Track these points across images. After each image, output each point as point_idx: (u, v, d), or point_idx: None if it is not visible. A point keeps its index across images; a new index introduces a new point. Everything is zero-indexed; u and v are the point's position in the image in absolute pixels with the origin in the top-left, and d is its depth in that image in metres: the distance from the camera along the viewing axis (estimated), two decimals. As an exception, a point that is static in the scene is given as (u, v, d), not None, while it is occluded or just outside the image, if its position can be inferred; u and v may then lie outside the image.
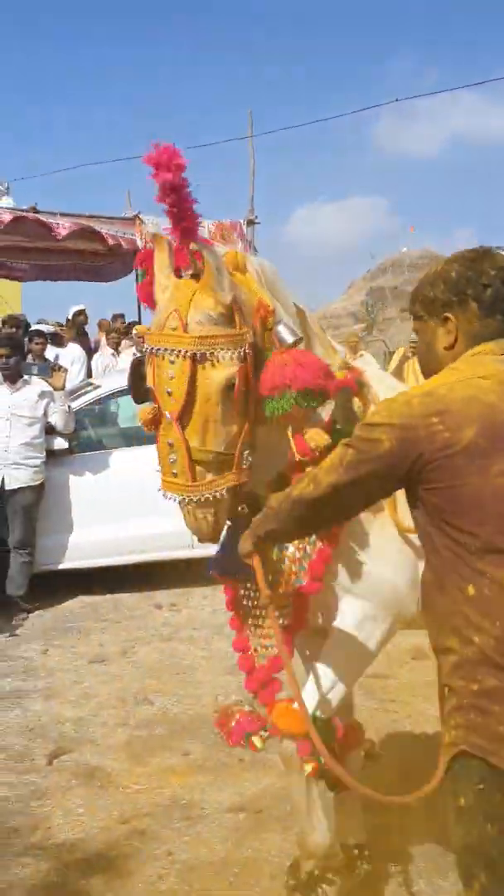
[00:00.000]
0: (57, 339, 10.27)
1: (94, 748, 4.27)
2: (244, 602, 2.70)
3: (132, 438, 7.17)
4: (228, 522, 2.47)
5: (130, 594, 6.93)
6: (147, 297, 2.45)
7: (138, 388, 2.45)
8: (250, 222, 14.50)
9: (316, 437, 2.43)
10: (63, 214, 10.47)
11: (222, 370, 2.26)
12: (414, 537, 2.53)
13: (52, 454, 6.83)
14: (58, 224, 9.91)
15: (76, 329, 11.65)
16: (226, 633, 5.89)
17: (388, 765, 4.00)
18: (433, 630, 1.91)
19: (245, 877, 3.13)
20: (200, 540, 2.40)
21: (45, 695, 5.01)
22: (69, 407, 6.83)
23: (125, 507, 6.74)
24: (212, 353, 2.26)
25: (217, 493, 2.31)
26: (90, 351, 11.23)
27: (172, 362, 2.26)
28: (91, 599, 6.89)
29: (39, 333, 9.20)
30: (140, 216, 11.17)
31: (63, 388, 6.81)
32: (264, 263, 2.56)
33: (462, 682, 1.77)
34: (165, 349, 2.28)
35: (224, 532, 2.48)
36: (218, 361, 2.26)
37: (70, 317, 12.03)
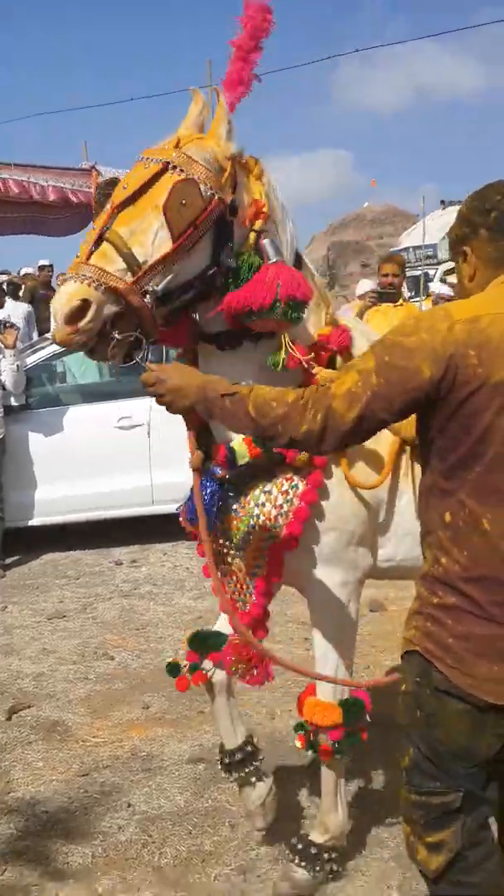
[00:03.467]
0: (14, 290, 10.07)
1: (54, 703, 4.27)
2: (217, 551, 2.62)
3: (90, 395, 7.09)
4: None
5: (90, 551, 6.90)
6: None
7: (101, 207, 2.30)
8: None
9: (325, 374, 2.40)
10: (17, 166, 10.20)
11: (183, 182, 2.18)
12: (367, 493, 2.59)
13: (9, 410, 6.71)
14: (12, 182, 9.67)
15: (42, 284, 11.45)
16: (186, 588, 5.93)
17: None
18: (421, 529, 1.96)
19: (205, 826, 3.17)
20: (56, 334, 2.13)
21: (4, 651, 4.98)
22: (17, 366, 6.59)
23: (83, 464, 6.68)
24: (182, 171, 2.20)
25: (100, 279, 2.09)
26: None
27: (146, 168, 2.22)
28: (50, 557, 6.85)
29: None
30: (96, 167, 10.93)
31: (14, 346, 6.59)
32: (277, 187, 2.48)
33: (426, 592, 1.88)
34: (148, 158, 2.24)
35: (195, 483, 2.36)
36: (185, 179, 2.18)
37: (33, 271, 11.82)
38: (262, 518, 2.49)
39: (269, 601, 2.60)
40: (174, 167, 2.20)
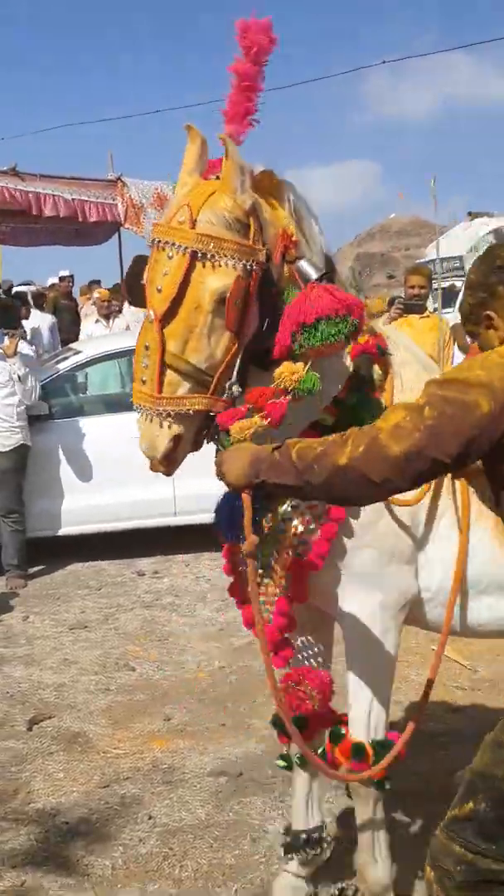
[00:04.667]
0: (38, 301, 10.16)
1: (75, 714, 4.26)
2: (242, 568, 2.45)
3: (114, 405, 7.10)
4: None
5: (112, 562, 6.89)
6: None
7: (133, 288, 2.29)
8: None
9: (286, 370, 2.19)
10: (43, 177, 10.31)
11: (221, 277, 2.07)
12: (405, 511, 2.35)
13: (32, 421, 6.73)
14: (37, 196, 9.78)
15: (63, 294, 11.55)
16: (208, 599, 5.90)
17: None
18: None
19: (226, 840, 3.14)
20: (151, 463, 2.16)
21: (26, 661, 4.98)
22: (19, 376, 6.46)
23: (106, 475, 6.69)
24: (213, 256, 2.07)
25: (183, 411, 2.10)
26: (78, 316, 11.13)
27: (170, 257, 2.08)
28: (73, 567, 6.85)
29: (19, 297, 9.09)
30: (122, 178, 11.01)
31: (14, 354, 6.47)
32: (300, 195, 2.32)
33: None
34: (166, 242, 2.09)
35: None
36: (219, 266, 2.07)
37: (57, 281, 11.94)
38: (287, 534, 2.36)
39: (289, 624, 2.39)
40: (204, 255, 2.07)
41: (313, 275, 2.21)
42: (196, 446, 2.22)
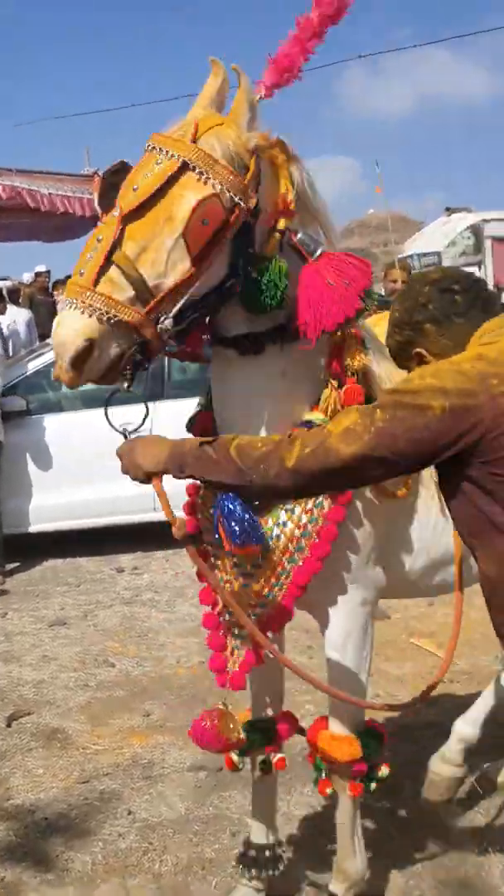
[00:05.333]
0: (14, 296, 10.10)
1: (54, 710, 4.25)
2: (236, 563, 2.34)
3: (92, 401, 7.07)
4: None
5: (91, 558, 6.88)
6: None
7: (106, 197, 2.19)
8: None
9: (358, 356, 2.19)
10: (20, 172, 10.22)
11: (203, 193, 1.92)
12: (382, 508, 2.35)
13: (9, 416, 6.70)
14: (14, 190, 9.70)
15: (40, 289, 11.49)
16: (188, 595, 5.90)
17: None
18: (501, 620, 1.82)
19: (206, 834, 3.15)
20: (57, 366, 1.92)
21: (5, 658, 4.97)
22: None
23: (85, 471, 6.67)
24: (203, 174, 1.93)
25: (110, 312, 1.88)
26: (55, 311, 11.10)
27: (159, 163, 1.94)
28: (51, 563, 6.83)
29: None
30: (98, 174, 10.94)
31: None
32: (310, 172, 2.19)
33: None
34: (160, 149, 1.95)
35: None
36: (205, 186, 1.93)
37: (33, 277, 11.87)
38: (283, 539, 2.26)
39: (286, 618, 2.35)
40: (193, 168, 1.93)
41: (317, 249, 2.12)
42: (110, 375, 1.98)
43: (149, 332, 1.95)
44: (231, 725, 2.45)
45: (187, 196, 1.92)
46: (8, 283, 10.82)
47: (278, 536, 2.26)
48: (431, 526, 2.49)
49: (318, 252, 2.12)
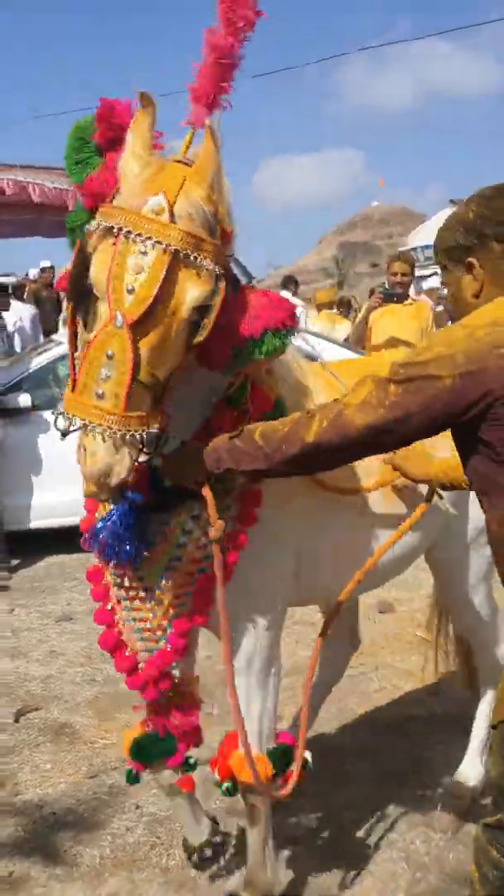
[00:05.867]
0: (19, 292, 10.12)
1: (62, 705, 4.26)
2: (118, 583, 2.28)
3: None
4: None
5: (98, 553, 6.88)
6: (101, 185, 1.91)
7: (78, 283, 1.89)
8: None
9: None
10: (23, 167, 10.21)
11: (203, 283, 1.84)
12: (295, 518, 2.35)
13: (16, 413, 6.72)
14: (20, 185, 9.68)
15: (45, 285, 11.51)
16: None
17: (357, 717, 4.06)
18: None
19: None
20: (99, 491, 1.87)
21: (12, 654, 4.98)
22: None
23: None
24: (195, 259, 1.82)
25: (145, 430, 1.82)
26: (60, 307, 11.12)
27: (144, 253, 1.79)
28: (58, 559, 6.84)
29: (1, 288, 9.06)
30: None
31: None
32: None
33: None
34: (139, 235, 1.79)
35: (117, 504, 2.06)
36: (200, 271, 1.83)
37: (38, 273, 11.90)
38: (190, 547, 2.18)
39: (184, 647, 2.30)
40: (186, 256, 1.81)
41: (243, 278, 2.08)
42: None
43: (165, 423, 1.92)
44: None
45: (189, 289, 1.84)
46: (12, 280, 10.84)
47: (184, 545, 2.19)
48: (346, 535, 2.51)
49: (243, 282, 2.08)
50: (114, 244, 1.82)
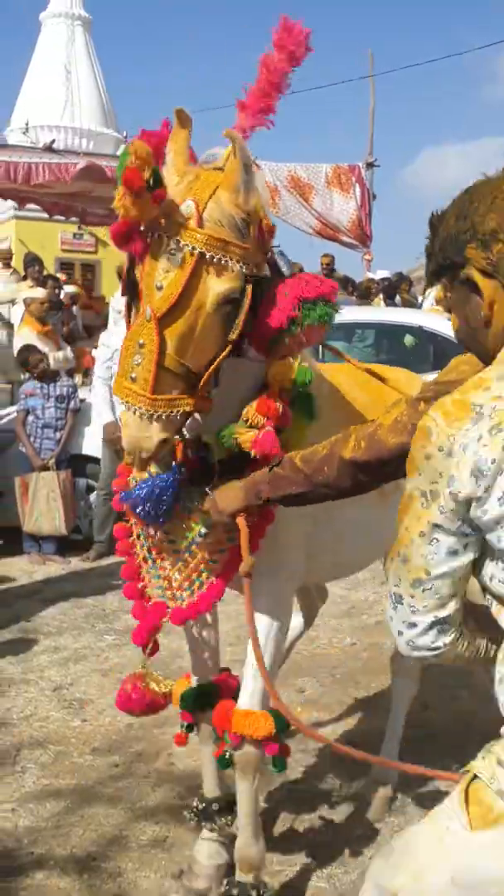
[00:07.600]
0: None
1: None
2: (143, 547, 2.45)
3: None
4: (156, 468, 2.20)
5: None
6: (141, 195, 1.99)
7: (129, 280, 2.16)
8: (369, 165, 14.08)
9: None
10: (86, 154, 10.31)
11: (227, 281, 2.03)
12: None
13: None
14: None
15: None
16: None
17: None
18: None
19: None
20: (132, 464, 2.09)
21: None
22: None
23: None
24: (220, 260, 2.02)
25: (173, 414, 2.04)
26: None
27: (173, 253, 2.01)
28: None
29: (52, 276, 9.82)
30: (127, 138, 10.68)
31: None
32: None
33: None
34: (169, 236, 2.02)
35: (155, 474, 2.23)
36: (225, 271, 2.03)
37: None
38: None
39: (209, 605, 2.42)
40: (211, 258, 2.01)
41: (287, 269, 2.24)
42: (169, 445, 2.15)
43: (206, 406, 2.13)
44: (154, 685, 2.61)
45: (213, 286, 2.03)
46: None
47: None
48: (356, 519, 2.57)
49: (288, 273, 2.24)
50: (151, 248, 2.05)
